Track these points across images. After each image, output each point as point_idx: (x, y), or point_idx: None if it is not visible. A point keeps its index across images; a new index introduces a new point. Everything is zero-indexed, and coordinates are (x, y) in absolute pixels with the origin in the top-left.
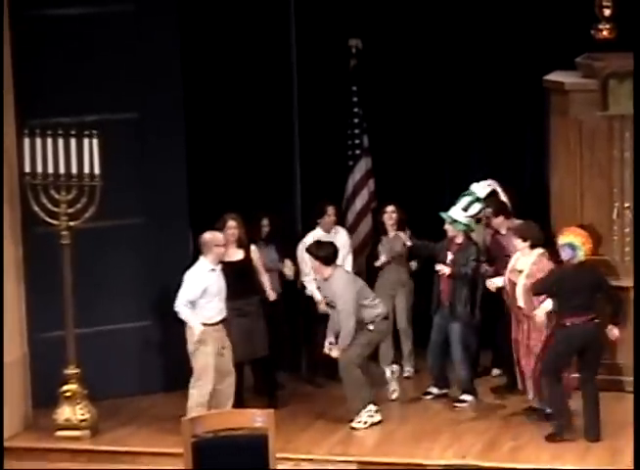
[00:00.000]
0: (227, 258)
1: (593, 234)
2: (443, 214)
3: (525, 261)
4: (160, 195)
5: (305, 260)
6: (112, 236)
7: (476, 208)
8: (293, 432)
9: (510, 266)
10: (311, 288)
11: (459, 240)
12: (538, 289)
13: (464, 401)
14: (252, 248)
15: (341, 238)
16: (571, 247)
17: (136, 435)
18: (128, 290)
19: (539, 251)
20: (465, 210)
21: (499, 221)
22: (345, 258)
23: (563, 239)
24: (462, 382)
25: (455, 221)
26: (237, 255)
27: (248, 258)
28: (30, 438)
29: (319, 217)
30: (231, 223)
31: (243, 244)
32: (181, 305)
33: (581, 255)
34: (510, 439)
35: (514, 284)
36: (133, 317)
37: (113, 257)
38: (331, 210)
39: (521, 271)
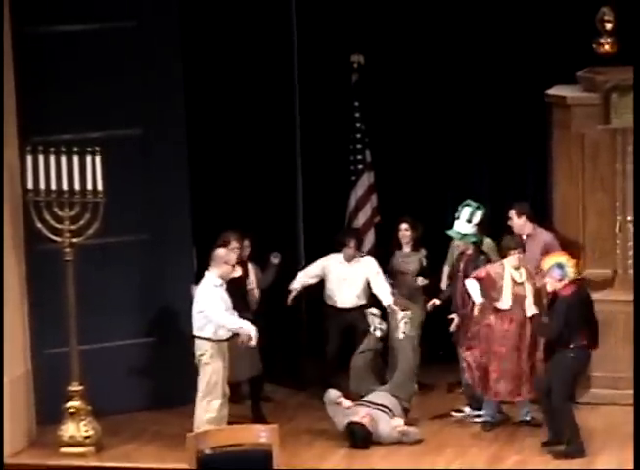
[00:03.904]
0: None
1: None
2: (452, 233)
3: (519, 272)
4: (163, 211)
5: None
6: (115, 252)
7: (478, 215)
8: (297, 447)
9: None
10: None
11: (469, 251)
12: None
13: (480, 416)
14: (250, 266)
15: (365, 266)
16: (559, 266)
17: (140, 451)
18: (132, 306)
19: (517, 255)
20: (469, 221)
21: (521, 223)
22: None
23: (547, 262)
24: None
25: (465, 235)
26: (237, 272)
27: (244, 276)
28: (35, 454)
29: (340, 247)
30: (234, 242)
31: (242, 262)
32: (223, 318)
33: (570, 272)
34: (514, 453)
35: (520, 296)
36: (137, 334)
37: (116, 273)
38: (353, 242)
39: (519, 283)
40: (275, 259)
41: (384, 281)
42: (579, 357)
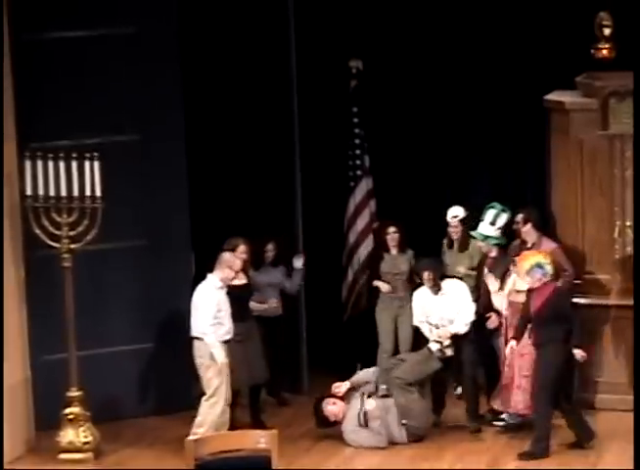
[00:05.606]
0: (232, 282)
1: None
2: (474, 233)
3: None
4: (162, 217)
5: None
6: (113, 258)
7: (503, 219)
8: (296, 452)
9: (508, 288)
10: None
11: (493, 254)
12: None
13: (502, 420)
14: (251, 273)
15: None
16: (539, 266)
17: (139, 457)
18: (130, 312)
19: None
20: (493, 223)
21: (527, 230)
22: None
23: (527, 263)
24: None
25: (487, 237)
26: (241, 279)
27: (249, 283)
28: (33, 461)
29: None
30: (242, 247)
31: (246, 269)
32: (207, 327)
33: (550, 269)
34: (513, 458)
35: (514, 304)
36: (135, 339)
37: (114, 279)
38: (427, 274)
39: (520, 292)
40: (298, 262)
41: (471, 309)
42: (570, 352)
